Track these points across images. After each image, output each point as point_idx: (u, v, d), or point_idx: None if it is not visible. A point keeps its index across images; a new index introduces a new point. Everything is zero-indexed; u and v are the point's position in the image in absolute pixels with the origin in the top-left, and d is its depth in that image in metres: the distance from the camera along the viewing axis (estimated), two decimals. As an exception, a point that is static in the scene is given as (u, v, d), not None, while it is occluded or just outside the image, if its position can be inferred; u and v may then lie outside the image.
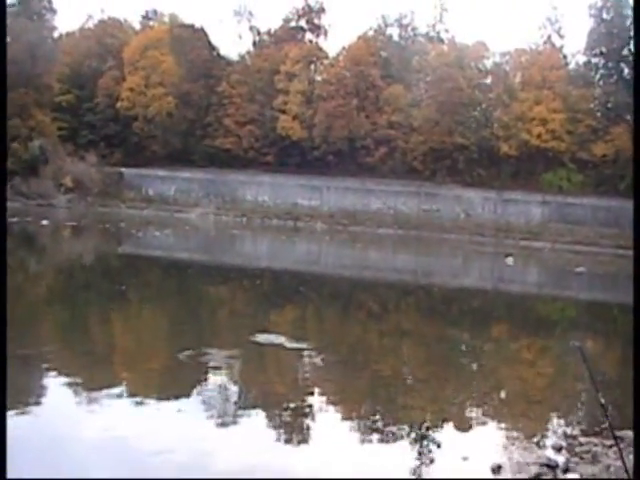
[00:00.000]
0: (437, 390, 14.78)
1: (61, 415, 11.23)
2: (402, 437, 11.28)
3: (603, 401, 6.94)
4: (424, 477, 9.72)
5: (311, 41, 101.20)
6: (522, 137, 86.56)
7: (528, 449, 10.99)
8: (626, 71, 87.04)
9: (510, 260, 50.23)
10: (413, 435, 11.39)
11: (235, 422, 11.42)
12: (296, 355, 16.05)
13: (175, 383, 13.72)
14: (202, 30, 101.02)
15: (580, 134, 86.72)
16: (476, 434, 11.86)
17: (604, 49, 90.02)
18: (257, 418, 11.75)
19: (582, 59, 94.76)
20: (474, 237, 77.68)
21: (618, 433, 8.64)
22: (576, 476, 9.79)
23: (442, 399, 14.09)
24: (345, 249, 59.29)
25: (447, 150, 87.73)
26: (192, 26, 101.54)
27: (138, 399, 12.14)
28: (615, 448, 10.26)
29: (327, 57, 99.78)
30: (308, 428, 11.58)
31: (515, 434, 11.85)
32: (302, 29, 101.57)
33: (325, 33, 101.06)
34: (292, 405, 12.60)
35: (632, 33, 73.22)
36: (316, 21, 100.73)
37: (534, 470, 9.77)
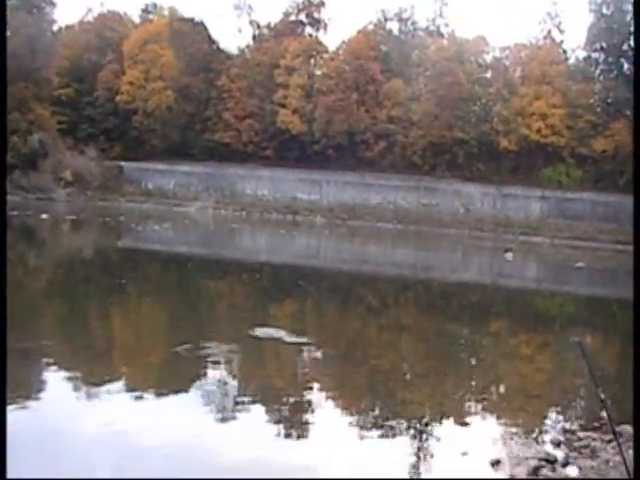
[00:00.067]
0: (436, 385, 14.79)
1: (60, 409, 11.22)
2: (401, 432, 11.29)
3: (603, 396, 6.95)
4: (424, 476, 9.71)
5: (311, 35, 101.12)
6: (522, 132, 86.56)
7: (527, 444, 11.00)
8: (626, 66, 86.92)
9: (509, 255, 50.22)
10: (412, 430, 11.40)
11: (234, 416, 11.43)
12: (295, 349, 16.05)
13: (174, 377, 13.72)
14: (202, 24, 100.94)
15: (580, 129, 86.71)
16: (475, 429, 11.87)
17: (604, 44, 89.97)
18: (256, 412, 11.75)
19: (582, 54, 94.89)
20: (473, 232, 77.70)
21: (617, 428, 8.64)
22: (575, 470, 9.80)
23: (441, 394, 14.10)
24: (344, 243, 59.29)
25: (447, 145, 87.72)
26: (192, 20, 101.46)
27: (137, 393, 12.14)
28: (614, 443, 10.28)
29: (327, 51, 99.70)
30: (307, 423, 11.58)
31: (514, 429, 11.86)
32: (302, 23, 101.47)
33: (325, 27, 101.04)
34: (291, 400, 12.63)
35: (632, 28, 73.12)
36: (316, 15, 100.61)
37: (533, 464, 9.77)
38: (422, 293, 32.52)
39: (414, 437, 11.07)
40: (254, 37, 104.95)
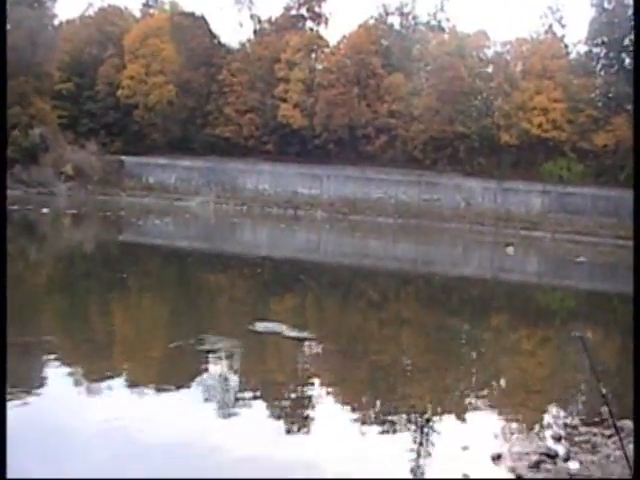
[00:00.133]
0: (437, 379, 14.78)
1: (60, 404, 11.23)
2: (402, 426, 11.29)
3: (604, 391, 6.95)
4: (425, 470, 9.71)
5: (312, 29, 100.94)
6: (523, 126, 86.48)
7: (528, 438, 11.01)
8: (627, 61, 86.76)
9: (510, 249, 50.24)
10: (413, 425, 11.41)
11: (234, 411, 11.43)
12: (296, 344, 16.06)
13: (175, 372, 13.73)
14: (203, 18, 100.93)
15: (581, 124, 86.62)
16: (476, 423, 11.88)
17: (605, 39, 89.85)
18: (256, 407, 11.75)
19: (583, 48, 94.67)
20: (474, 226, 77.73)
21: (618, 423, 8.65)
22: (576, 464, 9.81)
23: (442, 388, 14.11)
24: (345, 238, 59.28)
25: (448, 139, 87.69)
26: (193, 14, 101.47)
27: (136, 387, 12.16)
28: (614, 438, 10.29)
29: (328, 45, 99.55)
30: (308, 418, 11.58)
31: (515, 423, 11.87)
32: (303, 17, 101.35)
33: (326, 21, 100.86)
34: (292, 395, 12.63)
35: (633, 23, 73.08)
36: (317, 9, 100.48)
37: (534, 459, 9.78)
38: (423, 287, 32.55)
39: (415, 432, 11.08)
40: (255, 31, 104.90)
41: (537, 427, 11.78)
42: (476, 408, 12.79)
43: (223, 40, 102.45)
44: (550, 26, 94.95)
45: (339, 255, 45.25)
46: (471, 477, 9.07)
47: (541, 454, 10.01)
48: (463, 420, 12.00)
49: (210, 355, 14.34)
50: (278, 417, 11.36)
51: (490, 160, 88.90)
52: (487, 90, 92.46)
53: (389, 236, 65.03)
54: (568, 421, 12.23)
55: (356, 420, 11.51)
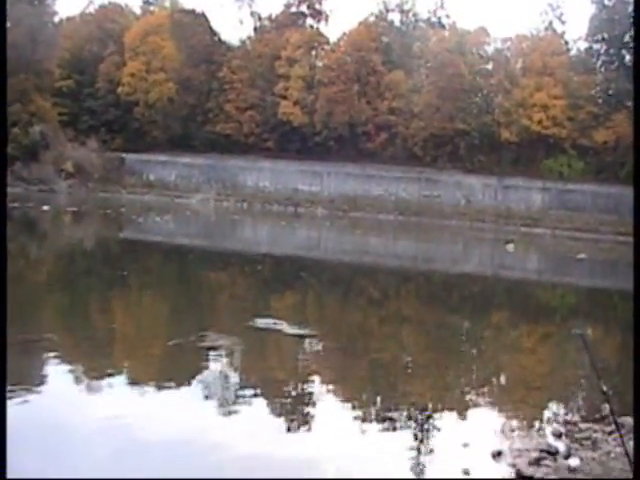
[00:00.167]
0: (437, 376, 14.80)
1: (61, 402, 11.24)
2: (402, 424, 11.30)
3: (605, 389, 6.96)
4: (425, 466, 9.72)
5: (312, 26, 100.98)
6: (523, 123, 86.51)
7: (528, 435, 11.02)
8: (627, 58, 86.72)
9: (511, 247, 50.26)
10: (413, 422, 11.42)
11: (234, 408, 11.44)
12: (297, 341, 16.07)
13: (176, 369, 13.74)
14: (203, 15, 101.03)
15: (581, 121, 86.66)
16: (476, 420, 11.89)
17: (606, 35, 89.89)
18: (257, 405, 11.76)
19: (583, 45, 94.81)
20: (474, 223, 77.72)
21: (618, 420, 8.66)
22: (577, 461, 9.82)
23: (442, 386, 14.12)
24: (345, 235, 59.31)
25: (448, 136, 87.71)
26: (193, 11, 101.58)
27: (137, 385, 12.16)
28: (615, 434, 10.30)
29: (328, 43, 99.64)
30: (308, 415, 11.59)
31: (515, 420, 11.89)
32: (303, 14, 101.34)
33: (326, 18, 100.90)
34: (293, 392, 12.65)
35: (633, 19, 73.00)
36: (317, 6, 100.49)
37: (534, 456, 9.79)
38: (423, 284, 32.57)
39: (415, 429, 11.09)
40: (255, 28, 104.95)
41: (537, 424, 11.79)
42: (476, 405, 12.81)
43: (223, 37, 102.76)
44: (550, 23, 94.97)
45: (339, 252, 45.26)
46: (471, 473, 9.09)
47: (541, 451, 10.02)
48: (463, 417, 12.02)
49: (211, 352, 14.35)
50: (279, 415, 11.36)
51: (490, 157, 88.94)
52: (487, 87, 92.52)
53: (389, 233, 65.03)
54: (568, 418, 12.24)
55: (356, 417, 11.52)
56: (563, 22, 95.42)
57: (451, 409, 12.40)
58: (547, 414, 12.59)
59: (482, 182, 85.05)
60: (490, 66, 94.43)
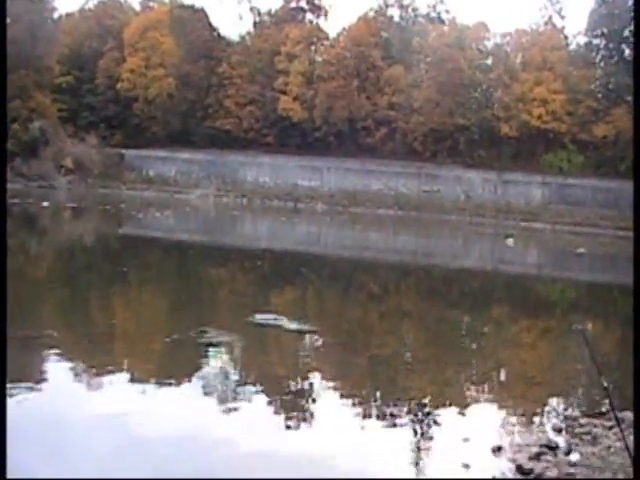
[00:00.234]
0: (437, 371, 14.81)
1: (61, 398, 11.25)
2: (402, 419, 11.30)
3: (605, 384, 6.97)
4: (425, 462, 9.73)
5: (311, 22, 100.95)
6: (523, 118, 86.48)
7: (528, 430, 11.03)
8: (627, 52, 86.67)
9: (510, 241, 50.25)
10: (413, 417, 11.42)
11: (234, 404, 11.44)
12: (297, 337, 16.08)
13: (176, 365, 13.73)
14: (202, 11, 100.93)
15: (581, 115, 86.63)
16: (476, 415, 11.90)
17: (605, 30, 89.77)
18: (256, 401, 11.76)
19: (583, 40, 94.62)
20: (474, 218, 77.68)
21: (618, 414, 8.67)
22: (577, 456, 9.83)
23: (442, 381, 14.13)
24: (345, 230, 59.28)
25: (447, 131, 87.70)
26: (192, 7, 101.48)
27: (137, 381, 12.16)
28: (615, 429, 10.31)
29: (327, 38, 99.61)
30: (308, 411, 11.60)
31: (515, 415, 11.89)
32: (302, 10, 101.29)
33: (325, 14, 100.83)
34: (293, 388, 12.65)
35: (633, 14, 72.95)
36: (316, 2, 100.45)
37: (534, 451, 9.80)
38: (423, 279, 32.58)
39: (415, 424, 11.09)
40: (255, 24, 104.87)
41: (537, 419, 11.80)
42: (476, 400, 12.82)
43: (223, 33, 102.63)
44: (550, 17, 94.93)
45: (339, 247, 45.30)
46: (471, 468, 9.10)
47: (541, 446, 10.03)
48: (464, 412, 12.02)
49: (211, 348, 14.35)
50: (278, 411, 11.36)
51: (490, 152, 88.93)
52: (487, 82, 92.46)
53: (389, 228, 65.03)
54: (568, 413, 12.25)
55: (357, 413, 11.52)
56: (562, 17, 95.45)
57: (451, 404, 12.40)
58: (547, 409, 12.59)
59: (482, 177, 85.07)
60: (490, 61, 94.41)
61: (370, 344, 16.92)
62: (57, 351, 13.33)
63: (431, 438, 10.56)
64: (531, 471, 9.09)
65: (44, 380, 11.87)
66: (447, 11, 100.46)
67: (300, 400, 11.99)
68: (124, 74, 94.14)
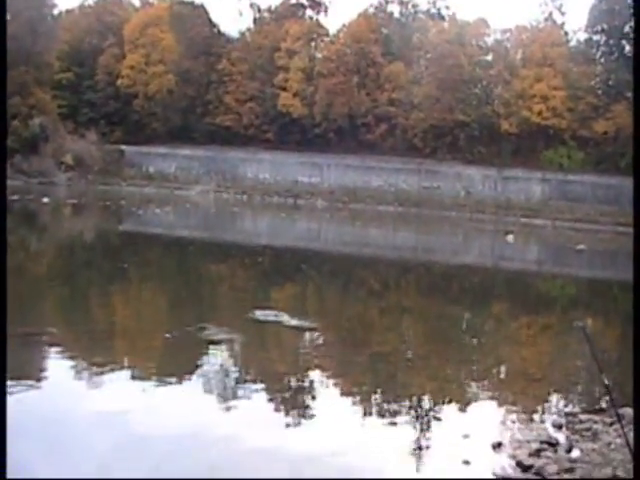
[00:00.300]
0: (437, 368, 14.81)
1: (61, 395, 11.26)
2: (403, 415, 11.31)
3: (606, 381, 6.97)
4: (425, 459, 9.73)
5: (311, 18, 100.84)
6: (523, 114, 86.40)
7: (528, 427, 11.04)
8: (627, 48, 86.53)
9: (510, 237, 50.27)
10: (414, 413, 11.43)
11: (234, 401, 11.44)
12: (297, 333, 16.08)
13: (176, 362, 13.74)
14: (202, 7, 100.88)
15: (581, 111, 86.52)
16: (476, 412, 11.91)
17: (605, 26, 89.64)
18: (257, 398, 11.77)
19: (583, 36, 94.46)
20: (474, 214, 77.62)
21: (618, 411, 8.68)
22: (577, 452, 9.84)
23: (443, 377, 14.13)
24: (345, 226, 59.28)
25: (448, 127, 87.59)
26: (192, 3, 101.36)
27: (137, 378, 12.16)
28: (615, 425, 10.32)
29: (327, 34, 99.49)
30: (309, 407, 11.60)
31: (515, 412, 11.89)
32: (302, 6, 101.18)
33: (325, 10, 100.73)
34: (293, 385, 12.66)
35: (633, 10, 72.87)
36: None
37: (534, 447, 9.81)
38: (423, 276, 32.59)
39: (416, 420, 11.10)
40: (255, 20, 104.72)
41: (538, 415, 11.81)
42: (477, 397, 12.83)
43: (223, 29, 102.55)
44: (550, 14, 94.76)
45: (339, 244, 45.30)
46: (471, 464, 9.11)
47: (542, 442, 10.04)
48: (464, 409, 12.04)
49: (211, 345, 14.36)
50: (279, 408, 11.37)
51: (490, 148, 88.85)
52: (487, 78, 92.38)
53: (389, 225, 65.01)
54: (569, 409, 12.26)
55: (357, 409, 11.54)
56: (563, 13, 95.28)
57: (451, 401, 12.42)
58: (547, 405, 12.60)
59: (482, 173, 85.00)
60: (490, 57, 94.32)
61: (370, 341, 16.93)
62: (57, 348, 13.35)
63: (431, 434, 10.56)
64: (531, 467, 9.11)
65: (44, 378, 11.89)
66: (447, 7, 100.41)
67: (301, 397, 12.00)
68: (124, 70, 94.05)
